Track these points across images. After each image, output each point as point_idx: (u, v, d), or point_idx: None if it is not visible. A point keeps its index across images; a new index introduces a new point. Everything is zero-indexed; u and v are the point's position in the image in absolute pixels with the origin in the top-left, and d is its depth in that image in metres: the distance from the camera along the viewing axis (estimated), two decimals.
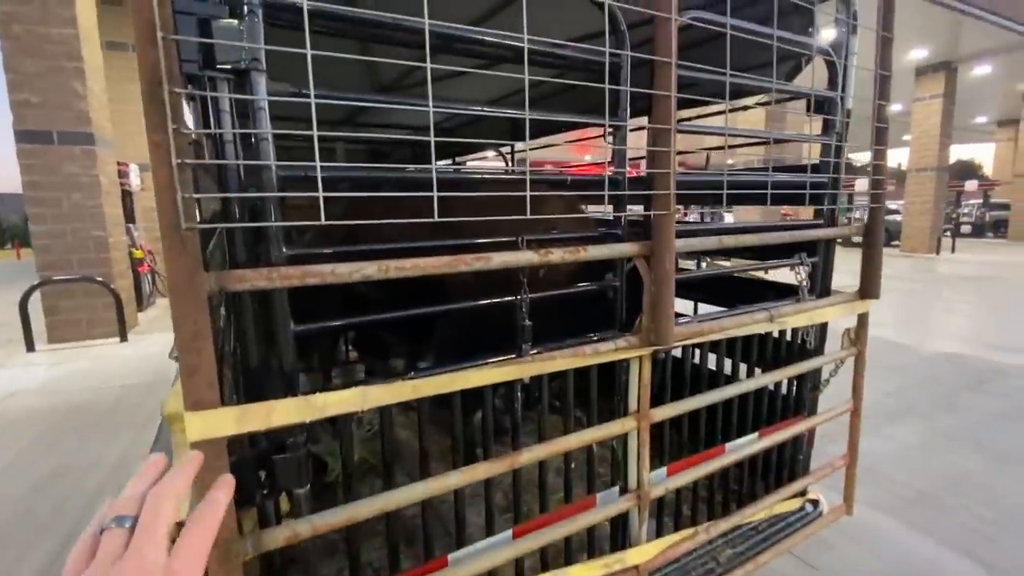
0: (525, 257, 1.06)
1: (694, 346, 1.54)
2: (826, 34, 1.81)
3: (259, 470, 0.92)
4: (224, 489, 0.49)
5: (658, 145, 1.16)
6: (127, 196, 7.91)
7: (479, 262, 1.01)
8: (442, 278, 1.02)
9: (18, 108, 5.83)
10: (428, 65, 0.85)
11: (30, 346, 5.98)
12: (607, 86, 1.09)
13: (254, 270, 0.81)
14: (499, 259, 1.03)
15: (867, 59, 1.69)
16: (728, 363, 1.68)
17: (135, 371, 5.25)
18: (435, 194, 0.90)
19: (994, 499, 2.73)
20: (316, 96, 0.78)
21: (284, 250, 0.86)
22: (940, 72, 13.65)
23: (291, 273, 0.83)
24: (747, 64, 1.61)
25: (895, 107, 17.76)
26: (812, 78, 1.84)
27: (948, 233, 15.83)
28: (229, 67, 0.79)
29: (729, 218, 13.55)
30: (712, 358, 1.63)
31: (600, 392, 1.33)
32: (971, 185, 19.79)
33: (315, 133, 0.79)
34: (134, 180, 8.28)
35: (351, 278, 0.88)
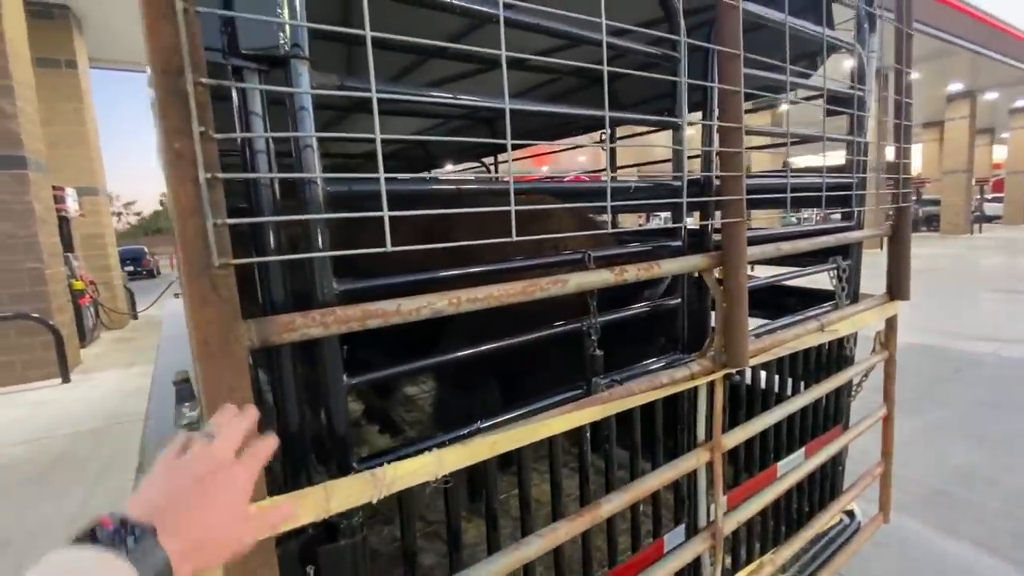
0: (600, 277, 0.91)
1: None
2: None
3: (305, 566, 0.72)
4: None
5: (727, 145, 1.05)
6: (64, 223, 7.26)
7: (556, 285, 0.85)
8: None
9: None
10: (504, 53, 0.69)
11: None
12: (677, 78, 0.96)
13: (304, 315, 0.62)
14: (576, 281, 0.88)
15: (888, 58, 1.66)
16: (775, 380, 1.58)
17: (82, 416, 4.73)
18: (512, 207, 0.74)
19: (1009, 492, 2.73)
20: (380, 90, 0.61)
21: (335, 285, 0.68)
22: (966, 99, 17.52)
23: (351, 315, 0.65)
24: (772, 60, 1.54)
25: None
26: (824, 77, 1.80)
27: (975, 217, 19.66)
28: (263, 54, 0.61)
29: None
30: (762, 374, 1.52)
31: (655, 423, 1.18)
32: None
33: (377, 136, 0.62)
34: (71, 205, 7.62)
35: (420, 315, 0.70)
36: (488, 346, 0.91)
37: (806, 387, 1.54)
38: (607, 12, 0.83)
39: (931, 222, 22.01)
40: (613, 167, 1.59)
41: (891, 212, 1.71)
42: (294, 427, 0.68)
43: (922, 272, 10.99)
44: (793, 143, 1.24)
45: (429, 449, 0.72)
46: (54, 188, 6.65)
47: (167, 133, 0.53)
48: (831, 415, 1.77)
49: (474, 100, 0.86)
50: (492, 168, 3.74)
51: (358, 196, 0.76)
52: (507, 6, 0.74)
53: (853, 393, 1.89)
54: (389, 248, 0.64)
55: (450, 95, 0.83)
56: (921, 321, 6.60)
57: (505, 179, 0.77)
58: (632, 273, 0.95)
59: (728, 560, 1.40)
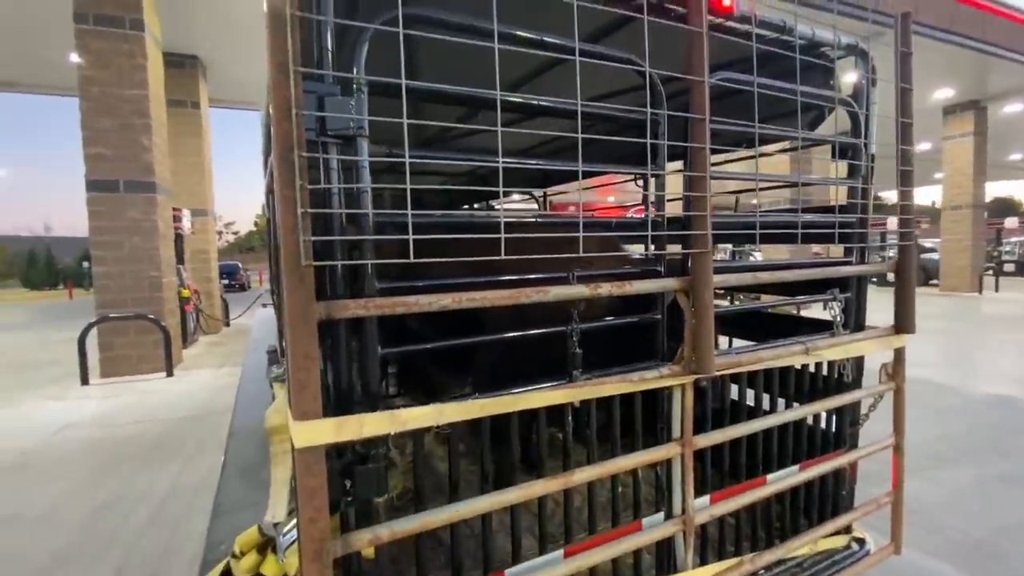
0: (577, 291, 1.19)
1: (732, 379, 1.60)
2: (848, 79, 1.94)
3: (344, 479, 1.03)
4: None
5: (694, 190, 1.29)
6: (179, 239, 8.44)
7: (538, 294, 1.13)
8: (483, 313, 1.14)
9: (91, 161, 6.40)
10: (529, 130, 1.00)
11: (84, 380, 6.31)
12: (648, 140, 1.23)
13: (354, 300, 0.95)
14: (555, 292, 1.16)
15: (888, 103, 1.81)
16: (766, 399, 1.73)
17: (180, 405, 5.48)
18: (508, 235, 1.03)
19: None
20: (411, 156, 0.94)
21: (376, 284, 1.01)
22: (969, 111, 13.64)
23: (384, 303, 0.97)
24: (773, 114, 1.75)
25: (924, 146, 17.33)
26: (835, 125, 1.96)
27: (990, 271, 15.29)
28: (340, 134, 0.96)
29: (758, 256, 13.50)
30: (750, 394, 1.69)
31: (643, 422, 1.41)
32: (1011, 222, 19.23)
33: (408, 187, 0.95)
34: (186, 224, 8.85)
35: (431, 307, 1.01)
36: (490, 337, 1.20)
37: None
38: (601, 85, 1.13)
39: (928, 274, 15.86)
40: (559, 207, 1.85)
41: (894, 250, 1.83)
42: (343, 378, 1.01)
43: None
44: (765, 187, 1.46)
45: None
46: (174, 209, 7.80)
47: (280, 183, 0.88)
48: (831, 438, 1.87)
49: (472, 160, 1.17)
50: (541, 198, 4.10)
51: (402, 225, 1.10)
52: (506, 99, 1.05)
53: (860, 420, 1.98)
54: (412, 260, 0.96)
55: (458, 155, 1.15)
56: (1016, 372, 6.09)
57: (500, 212, 1.07)
58: (605, 289, 1.22)
59: (709, 552, 1.56)
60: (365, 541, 0.98)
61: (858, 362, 1.89)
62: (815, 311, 2.03)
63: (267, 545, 1.20)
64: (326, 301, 0.93)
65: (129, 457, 4.10)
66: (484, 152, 1.20)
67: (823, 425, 1.88)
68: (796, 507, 1.81)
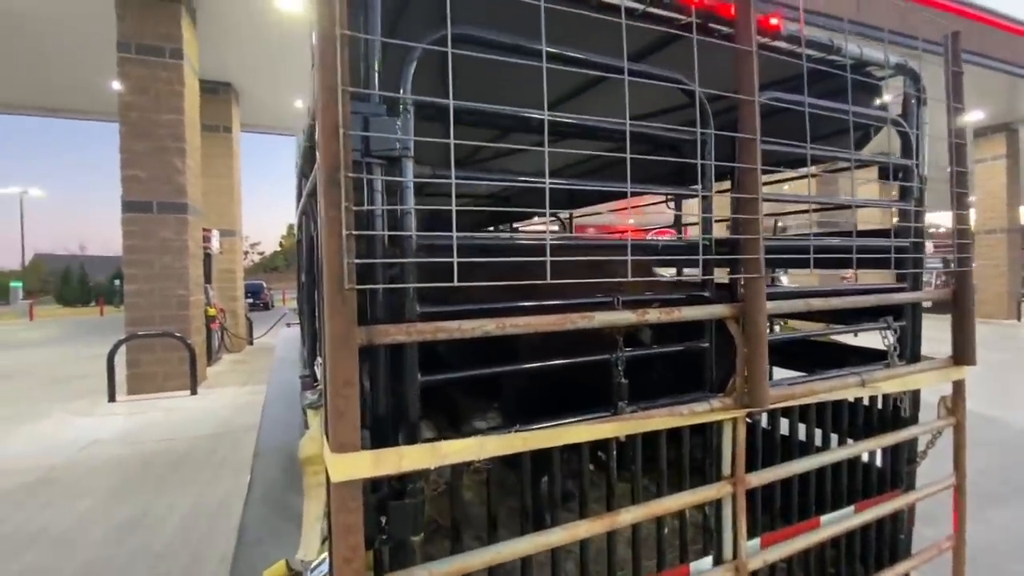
0: (623, 316, 1.13)
1: (783, 413, 1.51)
2: (887, 99, 1.88)
3: (380, 515, 0.97)
4: None
5: (745, 212, 1.23)
6: (207, 259, 8.62)
7: (583, 320, 1.07)
8: (512, 338, 1.09)
9: (127, 182, 6.62)
10: (557, 150, 0.97)
11: (112, 397, 6.40)
12: (699, 161, 1.18)
13: (395, 325, 0.91)
14: (600, 318, 1.10)
15: (935, 123, 1.73)
16: (818, 434, 1.63)
17: (203, 423, 5.50)
18: (545, 258, 0.99)
19: None
20: (457, 177, 0.90)
21: (417, 308, 0.96)
22: (1000, 133, 13.39)
23: (426, 328, 0.92)
24: (820, 133, 1.69)
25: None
26: (888, 144, 1.89)
27: None
28: (385, 155, 0.93)
29: (785, 280, 13.19)
30: (802, 429, 1.59)
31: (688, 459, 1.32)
32: None
33: (453, 208, 0.91)
34: (215, 244, 9.05)
35: (474, 333, 0.96)
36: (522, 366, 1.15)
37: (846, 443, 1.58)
38: (637, 104, 1.08)
39: None
40: (579, 228, 1.80)
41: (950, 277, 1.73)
42: (381, 407, 0.96)
43: None
44: (819, 208, 1.39)
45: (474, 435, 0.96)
46: (203, 230, 7.99)
47: (327, 205, 0.85)
48: (887, 477, 1.74)
49: (515, 180, 1.14)
50: (567, 221, 4.07)
51: (440, 247, 1.06)
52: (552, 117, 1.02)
53: (918, 458, 1.84)
54: (456, 283, 0.92)
55: (502, 176, 1.12)
56: None
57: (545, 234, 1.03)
58: (653, 315, 1.15)
59: None
60: None
61: (915, 395, 1.77)
62: (867, 340, 1.93)
63: None
64: (367, 326, 0.89)
65: (153, 475, 4.10)
66: (509, 173, 1.17)
67: (878, 463, 1.76)
68: (852, 552, 1.68)
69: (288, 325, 6.65)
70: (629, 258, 1.08)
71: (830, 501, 1.60)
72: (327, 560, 1.14)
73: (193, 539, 3.13)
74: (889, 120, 1.60)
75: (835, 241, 1.47)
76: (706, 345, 1.36)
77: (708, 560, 1.34)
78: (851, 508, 1.63)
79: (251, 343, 11.41)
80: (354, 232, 0.85)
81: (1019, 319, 13.50)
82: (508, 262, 1.04)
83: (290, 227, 61.07)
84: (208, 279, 8.79)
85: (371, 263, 0.95)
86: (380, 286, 0.93)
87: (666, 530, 1.31)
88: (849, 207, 1.44)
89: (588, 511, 1.17)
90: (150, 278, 6.75)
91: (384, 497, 0.98)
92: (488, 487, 1.06)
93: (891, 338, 1.69)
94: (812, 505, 1.58)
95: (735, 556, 1.31)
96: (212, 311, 8.42)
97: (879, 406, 1.71)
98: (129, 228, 6.68)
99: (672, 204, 2.50)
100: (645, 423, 1.14)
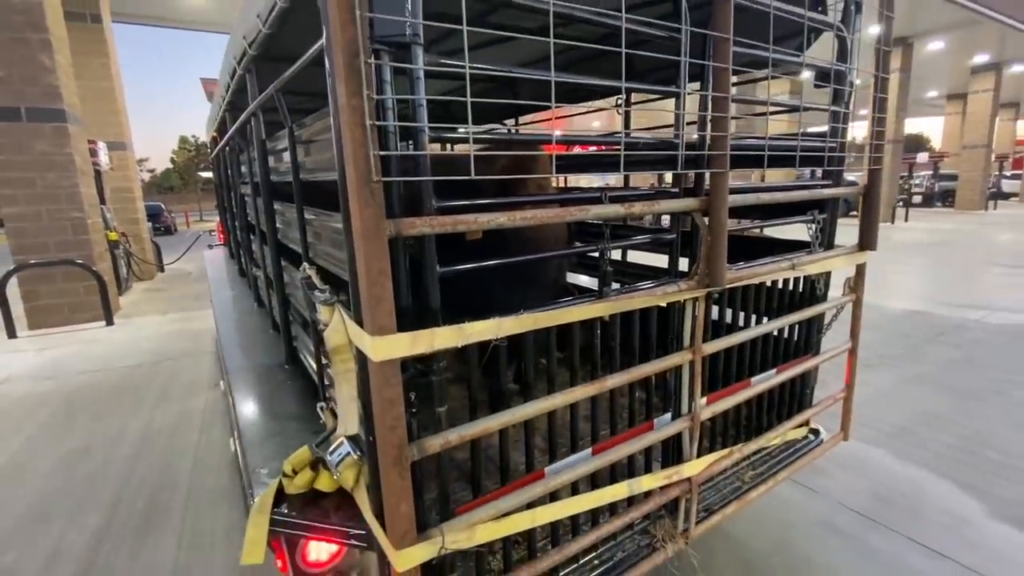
0: (613, 210, 1.23)
1: (728, 303, 1.75)
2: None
3: (408, 392, 1.07)
4: None
5: (716, 111, 1.34)
6: (97, 176, 7.60)
7: (580, 212, 1.17)
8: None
9: None
10: (551, 40, 0.99)
11: (11, 333, 5.80)
12: (684, 59, 1.25)
13: (420, 218, 0.95)
14: (595, 211, 1.20)
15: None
16: (742, 316, 1.91)
17: (131, 353, 5.20)
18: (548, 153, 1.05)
19: (961, 430, 3.12)
20: (471, 66, 0.92)
21: (434, 202, 1.00)
22: (898, 47, 14.33)
23: (446, 221, 0.97)
24: (764, 38, 1.79)
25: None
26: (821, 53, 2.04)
27: (901, 203, 16.82)
28: (393, 41, 0.91)
29: None
30: (739, 315, 1.85)
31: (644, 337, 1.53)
32: (923, 157, 20.84)
33: (468, 100, 0.93)
34: (103, 159, 7.95)
35: (488, 225, 1.03)
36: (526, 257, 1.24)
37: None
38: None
39: (946, 197, 21.45)
40: (627, 127, 1.87)
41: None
42: (403, 297, 1.02)
43: (936, 245, 11.13)
44: (775, 112, 1.52)
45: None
46: (88, 142, 6.95)
47: (347, 94, 0.84)
48: (802, 345, 2.10)
49: (524, 73, 1.15)
50: (512, 127, 4.00)
51: (452, 140, 1.08)
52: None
53: (824, 329, 2.22)
54: (473, 176, 0.96)
55: (512, 68, 1.13)
56: (926, 291, 6.87)
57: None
58: (638, 208, 1.27)
59: (707, 444, 1.76)
60: (437, 445, 1.04)
61: (827, 277, 2.10)
62: (783, 232, 2.20)
63: (318, 463, 1.25)
64: (394, 219, 0.92)
65: (87, 407, 3.91)
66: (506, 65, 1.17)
67: (795, 335, 2.10)
68: (771, 406, 2.05)
69: (210, 247, 6.20)
70: (622, 152, 1.16)
71: (759, 366, 1.92)
72: (344, 443, 1.25)
73: (156, 458, 3.11)
74: (835, 26, 1.73)
75: (785, 143, 1.64)
76: (672, 236, 1.52)
77: (668, 416, 1.61)
78: (774, 371, 1.97)
79: (162, 270, 10.54)
80: (377, 123, 0.86)
81: (892, 222, 15.49)
82: (508, 155, 1.08)
83: (183, 140, 53.94)
84: (102, 199, 7.81)
85: (386, 155, 0.96)
86: (406, 178, 0.95)
87: (638, 393, 1.54)
88: (796, 110, 1.59)
89: (578, 380, 1.35)
90: (33, 199, 5.91)
91: (411, 376, 1.07)
92: (499, 367, 1.19)
93: (815, 228, 1.95)
94: (746, 369, 1.89)
95: (690, 411, 1.58)
96: (113, 236, 7.59)
97: (800, 289, 2.02)
98: None
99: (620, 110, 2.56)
100: (629, 303, 1.30)
